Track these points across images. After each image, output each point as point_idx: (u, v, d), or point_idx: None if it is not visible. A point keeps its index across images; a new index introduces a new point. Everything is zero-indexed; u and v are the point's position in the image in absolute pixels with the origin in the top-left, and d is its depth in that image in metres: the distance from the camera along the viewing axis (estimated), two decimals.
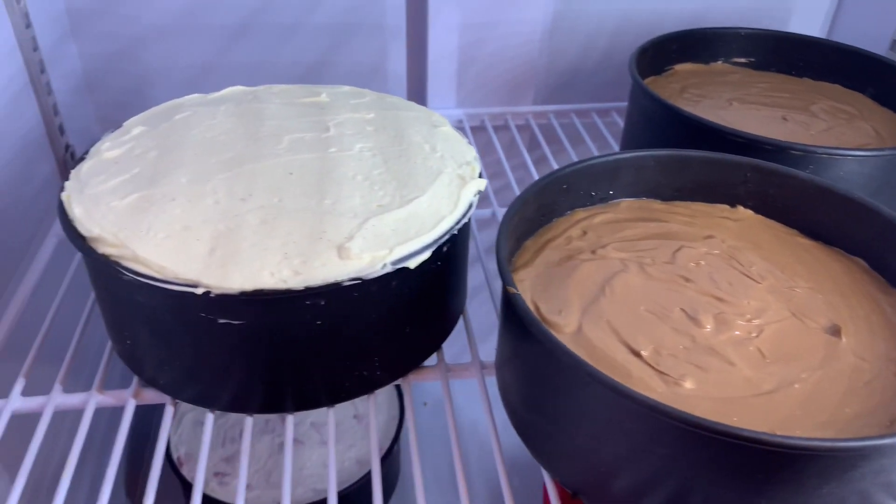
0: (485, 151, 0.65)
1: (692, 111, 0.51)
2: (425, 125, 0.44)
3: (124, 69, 0.63)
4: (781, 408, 0.32)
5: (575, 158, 0.63)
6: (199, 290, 0.31)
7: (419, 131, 0.43)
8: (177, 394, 0.37)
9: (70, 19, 0.60)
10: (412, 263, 0.34)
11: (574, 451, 0.33)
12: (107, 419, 0.59)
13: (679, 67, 0.63)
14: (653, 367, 0.33)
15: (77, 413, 0.38)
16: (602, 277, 0.39)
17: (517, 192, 0.48)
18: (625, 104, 0.69)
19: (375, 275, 0.33)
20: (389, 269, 0.33)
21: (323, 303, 0.33)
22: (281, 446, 0.68)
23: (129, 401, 0.38)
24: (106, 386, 0.39)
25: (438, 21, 0.61)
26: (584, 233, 0.43)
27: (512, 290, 0.33)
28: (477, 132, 0.66)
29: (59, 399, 0.38)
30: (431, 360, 0.41)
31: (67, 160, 0.57)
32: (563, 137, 0.64)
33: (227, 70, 0.64)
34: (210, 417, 0.37)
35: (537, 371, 0.33)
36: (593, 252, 0.41)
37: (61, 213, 0.36)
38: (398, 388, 0.74)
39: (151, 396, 0.38)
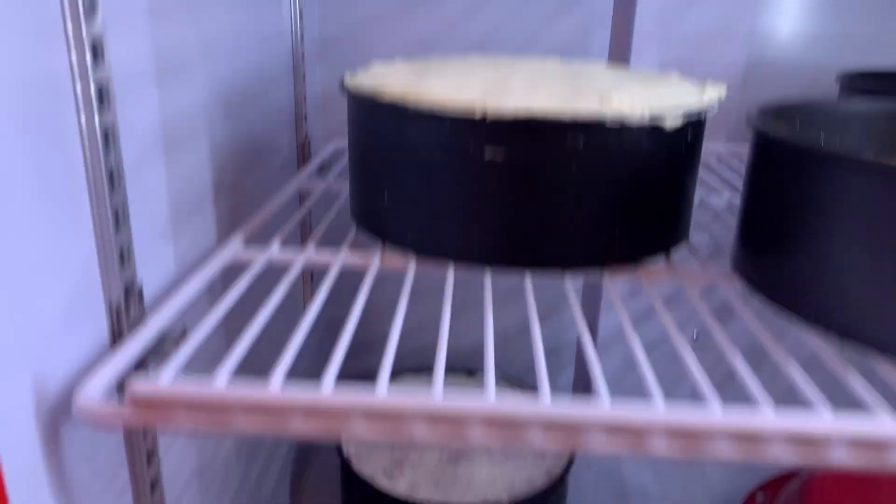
0: None
1: None
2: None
3: None
4: None
5: None
6: (477, 115, 0.35)
7: (661, 78, 0.47)
8: (420, 249, 0.39)
9: (321, 44, 0.71)
10: (667, 124, 0.36)
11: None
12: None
13: None
14: None
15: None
16: None
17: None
18: None
19: (634, 123, 0.35)
20: (646, 121, 0.35)
21: (583, 142, 0.35)
22: (448, 459, 0.66)
23: (374, 259, 0.40)
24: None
25: (640, 57, 0.67)
26: None
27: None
28: None
29: (313, 254, 0.41)
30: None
31: (306, 145, 0.66)
32: None
33: None
34: None
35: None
36: None
37: (347, 86, 0.41)
38: None
39: (394, 261, 0.40)
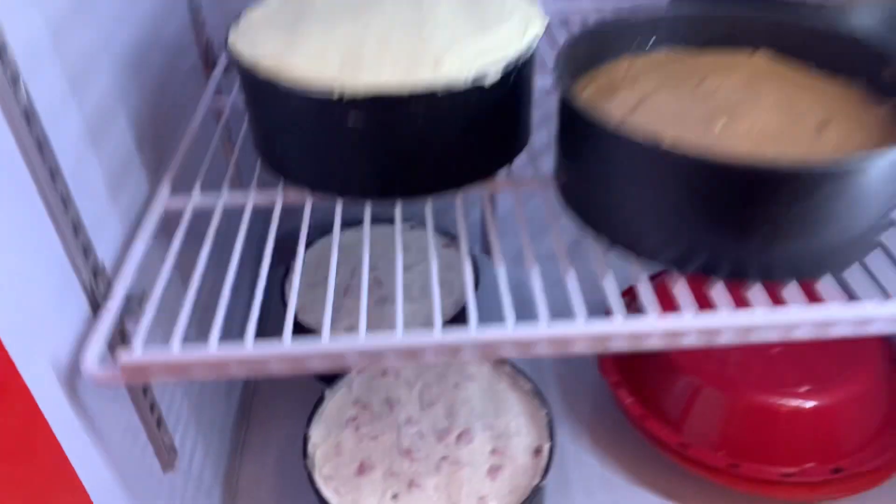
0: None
1: None
2: None
3: None
4: None
5: None
6: (336, 95, 0.44)
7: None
8: (315, 187, 0.50)
9: None
10: (487, 81, 0.45)
11: (618, 205, 0.44)
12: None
13: None
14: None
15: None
16: (640, 96, 0.49)
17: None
18: None
19: (460, 87, 0.44)
20: (470, 83, 0.45)
21: (422, 107, 0.45)
22: (376, 303, 0.82)
23: (278, 198, 0.51)
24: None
25: None
26: (629, 69, 0.53)
27: (564, 87, 0.44)
28: None
29: (227, 196, 0.51)
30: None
31: (207, 48, 0.71)
32: None
33: None
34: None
35: (590, 150, 0.44)
36: (633, 84, 0.51)
37: (231, 53, 0.49)
38: (475, 259, 0.86)
39: (294, 196, 0.51)
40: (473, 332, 0.40)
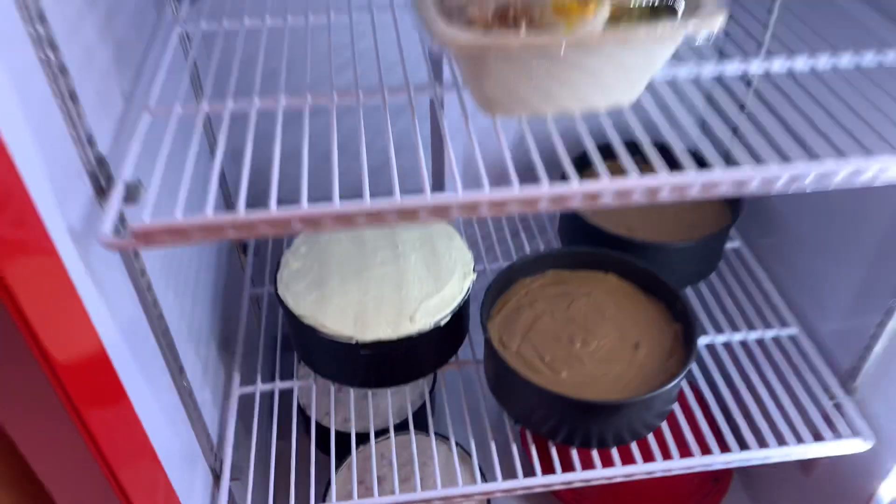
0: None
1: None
2: (445, 238, 0.86)
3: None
4: (602, 386, 0.74)
5: (534, 225, 1.04)
6: (354, 341, 0.74)
7: (443, 243, 0.85)
8: (336, 380, 0.81)
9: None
10: (441, 323, 0.76)
11: (516, 403, 0.76)
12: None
13: None
14: (548, 367, 0.76)
15: None
16: (532, 319, 0.81)
17: (498, 252, 0.91)
18: None
19: (427, 328, 0.75)
20: (433, 326, 0.76)
21: (405, 342, 0.76)
22: (363, 396, 1.12)
23: (312, 385, 0.81)
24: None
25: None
26: (527, 293, 0.84)
27: (487, 333, 0.75)
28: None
29: (279, 384, 0.82)
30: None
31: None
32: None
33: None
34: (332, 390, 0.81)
35: (497, 369, 0.76)
36: (531, 305, 0.83)
37: (281, 303, 0.78)
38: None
39: (322, 383, 0.81)
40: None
